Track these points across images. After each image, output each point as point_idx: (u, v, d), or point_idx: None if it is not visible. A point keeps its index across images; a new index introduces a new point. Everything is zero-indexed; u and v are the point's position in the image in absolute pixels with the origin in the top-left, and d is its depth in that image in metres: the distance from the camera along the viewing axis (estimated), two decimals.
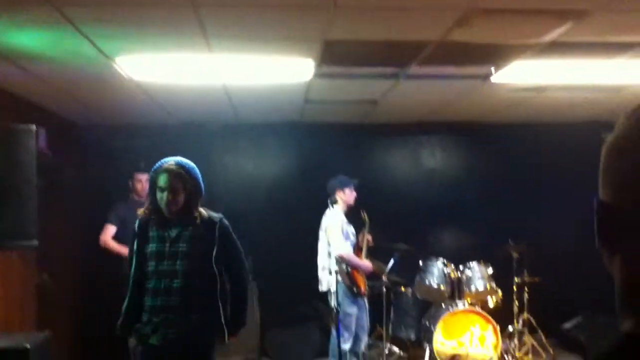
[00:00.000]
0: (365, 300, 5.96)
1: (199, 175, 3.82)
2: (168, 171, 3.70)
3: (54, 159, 6.12)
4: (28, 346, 4.17)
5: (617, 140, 0.82)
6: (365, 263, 5.85)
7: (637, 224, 0.78)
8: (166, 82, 5.27)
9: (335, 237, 5.59)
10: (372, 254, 6.47)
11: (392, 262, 6.75)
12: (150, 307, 3.68)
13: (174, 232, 3.73)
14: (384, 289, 6.74)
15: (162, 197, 3.67)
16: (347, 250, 5.61)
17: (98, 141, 7.08)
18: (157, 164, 3.77)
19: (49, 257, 5.96)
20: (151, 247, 3.74)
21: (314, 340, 6.75)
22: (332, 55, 4.57)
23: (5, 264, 5.27)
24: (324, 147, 7.51)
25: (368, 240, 6.10)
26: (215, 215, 3.89)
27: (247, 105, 6.52)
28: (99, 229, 6.31)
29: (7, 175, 4.28)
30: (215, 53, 4.44)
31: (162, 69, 4.83)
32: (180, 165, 3.75)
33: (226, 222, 3.92)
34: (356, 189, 5.92)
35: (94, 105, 6.36)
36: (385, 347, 6.74)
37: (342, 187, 5.83)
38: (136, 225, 3.86)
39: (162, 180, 3.68)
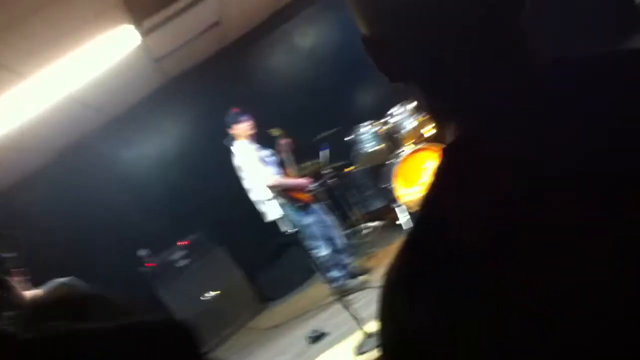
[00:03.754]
0: (318, 204, 5.92)
1: None
2: None
3: None
4: None
5: None
6: (297, 181, 5.72)
7: (405, 46, 0.77)
8: (11, 127, 4.93)
9: (254, 170, 5.46)
10: (301, 156, 6.36)
11: (324, 152, 6.69)
12: None
13: None
14: (332, 180, 6.73)
15: None
16: (273, 178, 5.46)
17: None
18: None
19: None
20: None
21: (300, 264, 6.76)
22: (141, 8, 4.29)
23: None
24: (205, 92, 7.27)
25: (289, 144, 5.95)
26: None
27: (107, 99, 6.18)
28: None
29: None
30: (32, 74, 4.14)
31: None
32: None
33: None
34: (252, 116, 5.72)
35: None
36: (362, 229, 6.80)
37: (234, 121, 5.64)
38: None
39: None
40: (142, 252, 6.76)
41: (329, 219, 5.91)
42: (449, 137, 0.80)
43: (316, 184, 6.22)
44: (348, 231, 6.99)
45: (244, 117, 5.64)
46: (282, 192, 5.32)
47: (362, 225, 6.85)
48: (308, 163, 6.54)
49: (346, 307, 4.47)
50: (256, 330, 6.46)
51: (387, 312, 0.72)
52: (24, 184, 6.97)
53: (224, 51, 7.34)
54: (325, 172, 6.71)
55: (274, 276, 6.99)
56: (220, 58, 7.34)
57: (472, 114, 0.76)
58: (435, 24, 0.74)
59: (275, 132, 5.91)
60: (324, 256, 5.53)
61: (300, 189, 5.63)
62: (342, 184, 6.92)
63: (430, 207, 0.75)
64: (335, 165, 6.82)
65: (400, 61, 0.79)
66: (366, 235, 6.76)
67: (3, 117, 4.55)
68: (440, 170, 0.77)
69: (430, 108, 0.83)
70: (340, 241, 5.93)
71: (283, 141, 5.92)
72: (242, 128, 5.60)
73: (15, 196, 6.93)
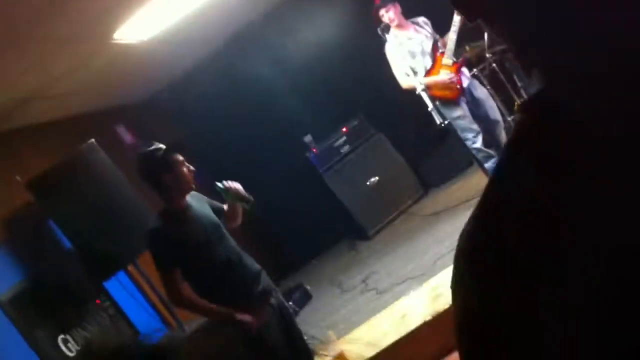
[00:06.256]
0: (474, 90, 5.61)
1: None
2: None
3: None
4: None
5: None
6: (437, 79, 5.41)
7: None
8: (176, 19, 5.09)
9: (395, 71, 5.37)
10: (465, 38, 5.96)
11: (487, 36, 6.29)
12: None
13: None
14: (495, 65, 6.36)
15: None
16: (412, 81, 5.29)
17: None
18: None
19: None
20: None
21: (461, 152, 6.56)
22: None
23: None
24: None
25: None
26: None
27: None
28: None
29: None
30: None
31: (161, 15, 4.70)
32: None
33: None
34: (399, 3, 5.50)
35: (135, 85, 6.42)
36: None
37: (380, 7, 5.45)
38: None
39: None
40: (307, 139, 6.96)
41: (487, 108, 5.61)
42: (534, 81, 0.66)
43: (467, 74, 5.85)
44: (513, 117, 6.66)
45: (387, 6, 5.43)
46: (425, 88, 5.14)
47: None
48: (470, 45, 6.19)
49: None
50: (418, 216, 6.54)
51: (456, 276, 0.66)
52: (190, 78, 7.29)
53: None
54: (487, 55, 6.33)
55: (435, 163, 6.94)
56: None
57: (562, 69, 0.63)
58: None
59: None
60: (478, 148, 5.36)
61: (443, 86, 5.39)
62: (505, 67, 6.52)
63: (508, 180, 0.63)
64: (497, 48, 6.40)
65: None
66: None
67: (165, 11, 4.72)
68: (522, 132, 0.65)
69: (512, 48, 0.69)
70: (501, 128, 5.67)
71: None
72: (391, 17, 5.42)
73: (185, 89, 7.27)
